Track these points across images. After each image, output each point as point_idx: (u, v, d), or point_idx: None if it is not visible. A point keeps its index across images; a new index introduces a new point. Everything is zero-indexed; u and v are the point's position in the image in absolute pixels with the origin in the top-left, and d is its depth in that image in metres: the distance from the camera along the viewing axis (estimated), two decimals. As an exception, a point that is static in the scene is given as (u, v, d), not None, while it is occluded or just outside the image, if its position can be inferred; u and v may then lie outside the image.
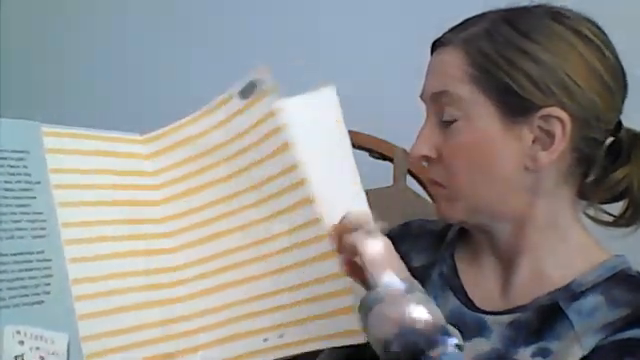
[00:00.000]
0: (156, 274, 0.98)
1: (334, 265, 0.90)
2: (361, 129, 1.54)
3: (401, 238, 1.14)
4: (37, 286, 0.88)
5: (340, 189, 0.95)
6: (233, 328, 0.96)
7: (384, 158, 1.67)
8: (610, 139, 1.00)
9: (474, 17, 1.00)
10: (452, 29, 1.01)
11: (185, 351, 0.97)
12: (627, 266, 0.98)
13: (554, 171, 0.97)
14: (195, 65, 2.09)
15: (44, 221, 0.91)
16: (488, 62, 0.95)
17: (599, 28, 0.98)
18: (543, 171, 0.96)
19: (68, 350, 0.88)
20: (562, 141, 0.94)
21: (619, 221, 1.01)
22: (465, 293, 1.04)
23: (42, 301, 0.88)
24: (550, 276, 0.98)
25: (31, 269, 0.88)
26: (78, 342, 0.89)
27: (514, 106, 0.95)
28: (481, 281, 1.04)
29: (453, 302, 1.03)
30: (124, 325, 0.93)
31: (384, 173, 1.65)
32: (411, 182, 1.65)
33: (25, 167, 0.91)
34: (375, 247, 0.92)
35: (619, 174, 0.99)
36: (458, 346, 0.87)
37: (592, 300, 0.94)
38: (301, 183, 0.91)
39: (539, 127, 0.95)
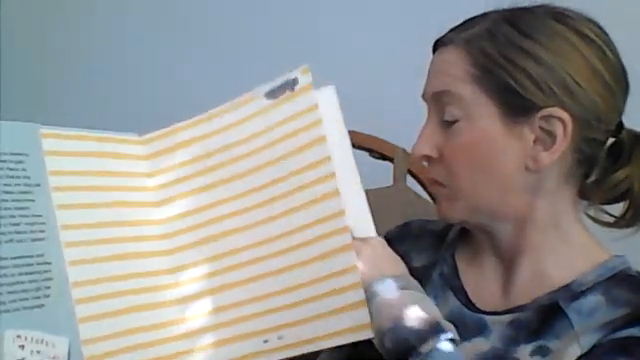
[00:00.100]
0: (156, 276, 0.98)
1: (349, 259, 0.90)
2: (361, 129, 1.54)
3: (401, 238, 1.14)
4: (37, 289, 0.88)
5: (340, 189, 0.95)
6: (233, 330, 0.96)
7: (384, 158, 1.68)
8: (611, 140, 0.99)
9: (476, 17, 1.00)
10: (454, 29, 1.01)
11: (186, 352, 0.97)
12: (627, 266, 0.98)
13: (555, 171, 0.97)
14: (195, 65, 2.10)
15: (43, 224, 0.91)
16: (490, 62, 0.95)
17: (601, 28, 0.98)
18: (544, 171, 0.96)
19: (69, 353, 0.88)
20: (563, 141, 0.94)
21: (620, 222, 1.01)
22: (465, 293, 1.03)
23: (42, 305, 0.88)
24: (551, 276, 0.98)
25: (31, 272, 0.88)
26: (79, 345, 0.89)
27: (515, 106, 0.94)
28: (482, 281, 1.04)
29: (453, 302, 1.03)
30: (124, 328, 0.93)
31: (384, 173, 1.65)
32: (411, 182, 1.65)
33: (24, 170, 0.91)
34: (369, 247, 0.93)
35: (620, 175, 0.98)
36: (452, 340, 0.88)
37: (592, 300, 0.94)
38: (332, 176, 0.92)
39: (540, 127, 0.94)
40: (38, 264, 0.89)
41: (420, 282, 0.99)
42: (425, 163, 1.03)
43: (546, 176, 0.96)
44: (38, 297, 0.88)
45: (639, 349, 0.87)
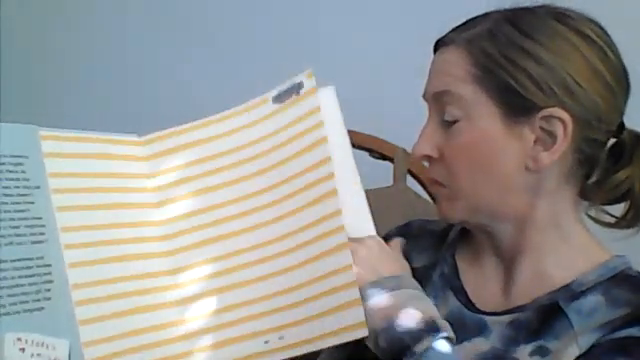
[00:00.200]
0: (156, 277, 0.98)
1: (344, 258, 0.90)
2: (361, 129, 1.54)
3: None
4: (37, 292, 0.88)
5: (340, 189, 0.95)
6: (233, 330, 0.96)
7: (384, 158, 1.68)
8: (612, 140, 0.99)
9: (477, 17, 1.00)
10: (455, 29, 1.01)
11: (186, 354, 0.97)
12: (628, 266, 0.98)
13: (555, 172, 0.97)
14: (195, 65, 2.10)
15: (43, 226, 0.90)
16: (491, 62, 0.95)
17: (602, 29, 0.98)
18: (544, 171, 0.96)
19: (69, 356, 0.88)
20: (563, 142, 0.94)
21: (621, 222, 1.01)
22: (465, 294, 1.03)
23: (42, 307, 0.88)
24: (551, 276, 0.98)
25: (31, 275, 0.88)
26: (79, 348, 0.89)
27: (516, 106, 0.94)
28: (482, 281, 1.04)
29: (453, 303, 1.03)
30: (125, 329, 0.93)
31: (384, 173, 1.65)
32: (411, 182, 1.65)
33: (24, 172, 0.91)
34: (364, 248, 0.93)
35: (621, 175, 0.98)
36: (448, 339, 0.88)
37: (592, 300, 0.94)
38: (331, 176, 0.93)
39: (541, 127, 0.94)
40: (38, 266, 0.89)
41: (420, 282, 0.99)
42: (425, 163, 1.03)
43: (546, 176, 0.96)
44: (38, 300, 0.88)
45: (638, 349, 0.87)
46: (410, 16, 1.87)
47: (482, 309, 1.01)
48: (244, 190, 0.98)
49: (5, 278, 0.86)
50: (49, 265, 0.89)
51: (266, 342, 0.94)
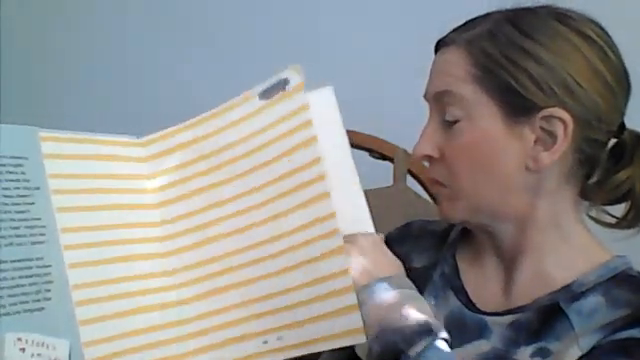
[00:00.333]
0: (155, 277, 0.98)
1: (341, 262, 0.90)
2: (361, 129, 1.54)
3: (402, 239, 1.14)
4: (37, 292, 0.88)
5: (339, 189, 0.95)
6: (233, 331, 0.96)
7: (384, 158, 1.68)
8: (613, 141, 0.99)
9: (478, 17, 1.00)
10: (456, 29, 1.01)
11: (187, 354, 0.97)
12: (629, 266, 0.98)
13: (556, 172, 0.97)
14: (195, 65, 2.10)
15: (43, 227, 0.90)
16: (491, 62, 0.95)
17: (603, 29, 0.98)
18: (545, 171, 0.96)
19: (70, 356, 0.88)
20: (564, 142, 0.94)
21: (621, 223, 1.01)
22: (466, 294, 1.03)
23: (43, 307, 0.88)
24: (552, 276, 0.98)
25: (31, 275, 0.88)
26: (79, 348, 0.89)
27: (516, 106, 0.94)
28: (483, 281, 1.04)
29: (454, 303, 1.03)
30: (125, 330, 0.93)
31: (384, 173, 1.65)
32: (411, 182, 1.65)
33: (23, 173, 0.90)
34: (356, 249, 0.93)
35: (622, 176, 0.98)
36: (444, 340, 0.88)
37: (593, 300, 0.93)
38: (322, 177, 0.91)
39: (541, 127, 0.94)
40: (38, 267, 0.89)
41: (421, 282, 0.99)
42: (426, 163, 1.03)
43: (547, 176, 0.96)
44: (38, 300, 0.88)
45: (639, 350, 0.87)
46: (410, 16, 1.87)
47: (483, 309, 1.01)
48: (237, 190, 0.98)
49: (5, 278, 0.86)
50: (49, 265, 0.89)
51: (265, 342, 0.94)
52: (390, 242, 1.02)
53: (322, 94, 0.98)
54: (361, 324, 0.88)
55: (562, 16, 0.97)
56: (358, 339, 0.89)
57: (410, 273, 0.98)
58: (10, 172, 0.89)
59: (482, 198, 0.98)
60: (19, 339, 0.85)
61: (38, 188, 0.91)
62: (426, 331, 0.87)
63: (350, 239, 0.94)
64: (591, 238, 1.01)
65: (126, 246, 0.96)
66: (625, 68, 0.98)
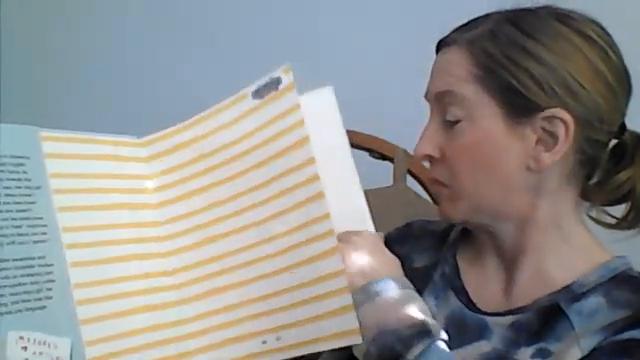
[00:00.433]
0: (156, 277, 0.98)
1: (335, 263, 0.90)
2: (361, 129, 1.54)
3: (402, 239, 1.14)
4: (39, 291, 0.88)
5: (339, 189, 0.95)
6: (233, 330, 0.96)
7: (384, 158, 1.68)
8: (614, 141, 0.99)
9: (479, 17, 1.00)
10: (457, 29, 1.01)
11: (188, 353, 0.97)
12: (629, 267, 0.98)
13: (557, 172, 0.97)
14: (195, 65, 2.10)
15: (45, 226, 0.91)
16: (492, 62, 0.95)
17: (604, 30, 0.98)
18: (546, 172, 0.96)
19: (71, 355, 0.88)
20: (565, 142, 0.94)
21: (622, 223, 1.01)
22: (467, 294, 1.03)
23: (44, 306, 0.88)
24: (552, 277, 0.98)
25: (33, 274, 0.88)
26: (81, 346, 0.89)
27: (518, 106, 0.94)
28: (483, 282, 1.03)
29: (455, 303, 1.03)
30: (126, 329, 0.93)
31: (384, 173, 1.65)
32: (411, 182, 1.65)
33: (25, 172, 0.91)
34: (350, 250, 0.93)
35: (622, 176, 0.98)
36: (443, 341, 0.88)
37: (593, 301, 0.93)
38: (316, 178, 0.91)
39: (542, 128, 0.94)
40: (40, 266, 0.89)
41: (421, 283, 0.99)
42: (427, 163, 1.03)
43: (548, 176, 0.96)
44: (40, 299, 0.88)
45: None
46: (410, 16, 1.87)
47: (483, 309, 1.00)
48: (233, 190, 0.98)
49: (7, 277, 0.86)
50: (51, 264, 0.90)
51: (264, 342, 0.94)
52: (390, 242, 1.02)
53: (322, 94, 0.98)
54: (357, 325, 0.88)
55: (563, 16, 0.97)
56: (354, 340, 0.89)
57: (410, 273, 0.98)
58: (12, 171, 0.90)
59: (483, 198, 0.98)
60: (21, 338, 0.86)
61: (39, 187, 0.91)
62: (424, 333, 0.88)
63: (347, 239, 0.94)
64: (591, 239, 1.01)
65: (127, 246, 0.97)
66: (626, 68, 0.98)
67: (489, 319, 0.99)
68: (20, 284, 0.87)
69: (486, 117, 0.95)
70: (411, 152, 1.04)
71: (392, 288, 0.91)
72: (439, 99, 0.99)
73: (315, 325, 0.91)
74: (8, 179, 0.89)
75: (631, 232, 1.01)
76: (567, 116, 0.93)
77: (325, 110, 0.98)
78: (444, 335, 0.89)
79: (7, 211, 0.88)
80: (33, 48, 2.23)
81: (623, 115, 0.99)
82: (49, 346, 0.87)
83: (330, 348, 0.91)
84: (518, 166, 0.95)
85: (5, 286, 0.85)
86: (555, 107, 0.93)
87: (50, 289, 0.89)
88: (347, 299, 0.89)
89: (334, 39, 1.96)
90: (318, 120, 0.97)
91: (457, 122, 0.97)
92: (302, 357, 0.93)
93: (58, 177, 0.93)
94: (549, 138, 0.94)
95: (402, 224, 1.19)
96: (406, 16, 1.89)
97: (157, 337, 0.95)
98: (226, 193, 0.98)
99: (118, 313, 0.93)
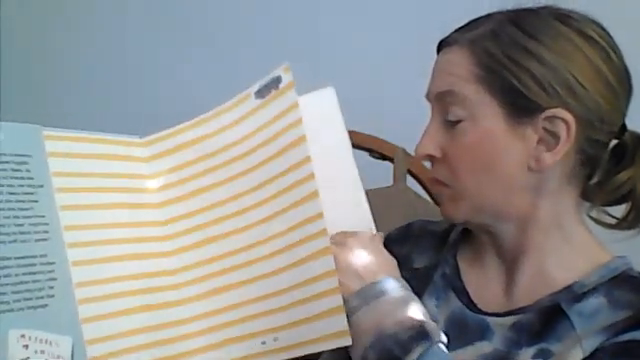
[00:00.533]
0: (157, 277, 0.98)
1: (327, 263, 0.89)
2: (361, 129, 1.54)
3: (403, 239, 1.14)
4: (41, 289, 0.88)
5: (341, 189, 0.95)
6: (233, 330, 0.96)
7: (384, 158, 1.68)
8: (614, 141, 0.99)
9: (480, 18, 1.00)
10: (458, 29, 1.01)
11: (187, 353, 0.97)
12: (629, 267, 0.98)
13: (558, 172, 0.97)
14: (195, 65, 2.10)
15: (47, 224, 0.91)
16: (494, 62, 0.95)
17: (605, 30, 0.98)
18: (547, 172, 0.96)
19: (72, 353, 0.88)
20: (566, 142, 0.94)
21: (622, 223, 1.01)
22: (467, 294, 1.03)
23: (46, 305, 0.88)
24: (553, 277, 0.98)
25: (34, 273, 0.88)
26: (82, 345, 0.89)
27: (519, 106, 0.94)
28: (484, 282, 1.04)
29: (455, 303, 1.03)
30: (127, 328, 0.93)
31: (384, 173, 1.65)
32: (411, 182, 1.65)
33: (28, 171, 0.91)
34: (346, 252, 0.93)
35: (623, 176, 0.99)
36: (441, 343, 0.88)
37: (594, 302, 0.93)
38: (311, 177, 0.91)
39: (544, 128, 0.94)
40: (42, 264, 0.89)
41: (422, 283, 0.99)
42: (427, 163, 1.03)
43: (549, 176, 0.97)
44: (42, 297, 0.88)
45: None
46: (410, 16, 1.87)
47: (484, 310, 1.01)
48: (235, 190, 0.98)
49: (9, 275, 0.86)
50: (52, 263, 0.89)
51: (263, 343, 0.94)
52: (390, 243, 1.02)
53: (323, 94, 0.99)
54: (346, 326, 0.88)
55: (564, 17, 0.97)
56: (344, 342, 0.89)
57: (410, 274, 0.99)
58: (14, 170, 0.90)
59: (485, 198, 0.98)
60: (22, 336, 0.85)
61: (42, 186, 0.91)
62: (423, 336, 0.87)
63: (342, 241, 0.94)
64: (592, 239, 1.01)
65: (128, 245, 0.97)
66: (627, 69, 0.98)
67: (490, 319, 0.99)
68: (22, 282, 0.87)
69: (487, 117, 0.95)
70: (411, 152, 1.05)
71: (390, 291, 0.91)
72: (440, 99, 0.99)
73: (309, 326, 0.91)
74: (11, 177, 0.89)
75: (631, 232, 1.01)
76: (568, 116, 0.93)
77: (327, 110, 0.98)
78: (443, 337, 0.89)
79: (9, 209, 0.88)
80: (33, 48, 2.23)
81: (623, 115, 0.99)
82: (50, 344, 0.87)
83: (322, 350, 0.91)
84: (519, 166, 0.96)
85: (7, 284, 0.85)
86: (556, 107, 0.93)
87: (52, 287, 0.89)
88: (337, 300, 0.88)
89: (334, 39, 1.96)
90: (320, 120, 0.97)
91: (458, 122, 0.97)
92: (301, 357, 0.93)
93: (60, 176, 0.93)
94: (550, 138, 0.94)
95: (402, 224, 1.19)
96: (406, 16, 1.89)
97: (157, 337, 0.96)
98: (227, 193, 0.98)
99: (119, 312, 0.93)
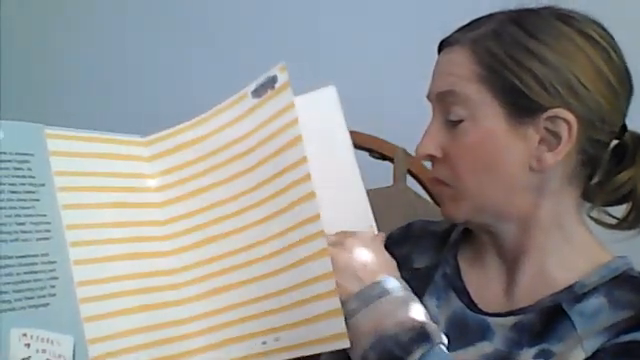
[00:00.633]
0: (157, 276, 0.98)
1: (325, 265, 0.89)
2: (361, 129, 1.54)
3: (403, 240, 1.14)
4: (42, 288, 0.88)
5: (342, 189, 0.95)
6: (233, 330, 0.96)
7: (384, 158, 1.68)
8: (615, 142, 0.99)
9: (482, 18, 1.00)
10: (460, 29, 1.01)
11: (187, 353, 0.97)
12: (630, 267, 0.98)
13: (559, 172, 0.97)
14: (195, 65, 2.10)
15: (48, 223, 0.90)
16: (495, 62, 0.95)
17: (606, 30, 0.98)
18: (548, 172, 0.96)
19: (74, 352, 0.88)
20: (568, 142, 0.94)
21: (622, 224, 1.01)
22: (468, 294, 1.03)
23: (47, 303, 0.88)
24: (554, 277, 0.98)
25: (36, 271, 0.87)
26: (84, 344, 0.89)
27: (521, 106, 0.94)
28: (485, 282, 1.04)
29: (456, 303, 1.03)
30: (129, 327, 0.93)
31: (384, 173, 1.65)
32: (411, 182, 1.65)
33: (29, 169, 0.91)
34: (344, 252, 0.93)
35: (623, 176, 0.99)
36: (442, 344, 0.88)
37: (595, 302, 0.93)
38: (307, 177, 0.91)
39: (545, 128, 0.94)
40: (43, 263, 0.88)
41: (422, 283, 0.99)
42: (428, 163, 1.03)
43: (550, 176, 0.97)
44: (43, 296, 0.87)
45: None
46: (410, 16, 1.87)
47: (485, 310, 1.01)
48: (236, 189, 0.98)
49: (10, 274, 0.86)
50: (54, 262, 0.89)
51: (264, 343, 0.94)
52: (391, 243, 1.02)
53: (325, 93, 0.99)
54: (344, 329, 0.88)
55: (565, 17, 0.97)
56: (341, 344, 0.88)
57: (411, 274, 0.99)
58: (16, 168, 0.89)
59: (486, 198, 0.98)
60: (24, 335, 0.85)
61: (43, 185, 0.91)
62: (423, 338, 0.87)
63: (340, 242, 0.94)
64: (592, 239, 1.01)
65: (130, 244, 0.97)
66: (628, 69, 0.98)
67: (491, 320, 0.99)
68: (23, 281, 0.86)
69: (489, 117, 0.95)
70: (411, 152, 1.05)
71: (390, 289, 0.91)
72: (442, 99, 0.99)
73: (308, 327, 0.91)
74: (12, 176, 0.89)
75: (631, 232, 1.01)
76: (570, 116, 0.93)
77: (327, 109, 0.98)
78: (444, 339, 0.89)
79: (11, 208, 0.88)
80: (33, 48, 2.23)
81: (624, 116, 0.99)
82: (52, 343, 0.87)
83: (321, 351, 0.91)
84: (521, 166, 0.96)
85: (8, 283, 0.85)
86: (558, 107, 0.93)
87: (53, 286, 0.88)
88: (335, 303, 0.88)
89: (334, 39, 1.96)
90: (321, 119, 0.97)
91: (460, 122, 0.97)
92: (301, 358, 0.93)
93: (62, 175, 0.93)
94: (552, 138, 0.95)
95: (402, 224, 1.19)
96: (406, 16, 1.89)
97: (156, 337, 0.95)
98: (226, 193, 0.98)
99: (121, 311, 0.93)
